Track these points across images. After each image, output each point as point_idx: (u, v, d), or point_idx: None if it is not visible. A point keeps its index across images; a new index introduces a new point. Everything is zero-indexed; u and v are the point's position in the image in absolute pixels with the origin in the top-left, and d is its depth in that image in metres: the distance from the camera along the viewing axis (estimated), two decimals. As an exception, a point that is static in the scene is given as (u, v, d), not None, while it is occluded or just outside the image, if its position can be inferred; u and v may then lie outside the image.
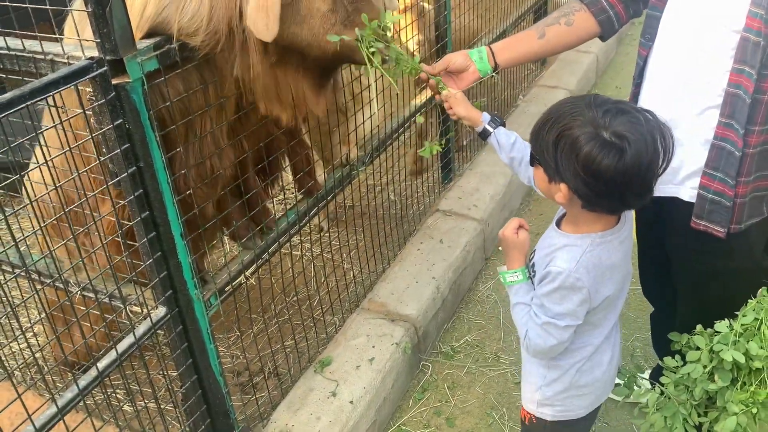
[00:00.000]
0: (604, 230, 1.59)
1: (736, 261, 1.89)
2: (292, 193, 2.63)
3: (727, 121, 1.71)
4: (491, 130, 1.88)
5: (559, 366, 1.72)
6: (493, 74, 2.06)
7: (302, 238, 3.36)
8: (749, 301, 1.68)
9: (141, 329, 1.83)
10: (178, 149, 1.82)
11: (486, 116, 1.90)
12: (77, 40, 1.58)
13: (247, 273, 2.17)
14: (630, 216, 1.67)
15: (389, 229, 3.19)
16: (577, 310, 1.59)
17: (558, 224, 1.68)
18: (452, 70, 2.01)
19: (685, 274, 2.04)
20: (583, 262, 1.56)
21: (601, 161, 1.39)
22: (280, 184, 2.46)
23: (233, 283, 2.12)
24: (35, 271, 2.05)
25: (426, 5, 3.05)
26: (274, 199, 3.11)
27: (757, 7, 1.60)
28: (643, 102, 1.94)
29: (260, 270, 2.25)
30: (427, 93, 3.24)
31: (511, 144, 1.88)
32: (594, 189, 1.44)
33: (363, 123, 2.61)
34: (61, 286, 1.96)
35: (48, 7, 1.62)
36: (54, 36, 1.66)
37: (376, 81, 2.61)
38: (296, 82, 1.83)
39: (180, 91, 1.79)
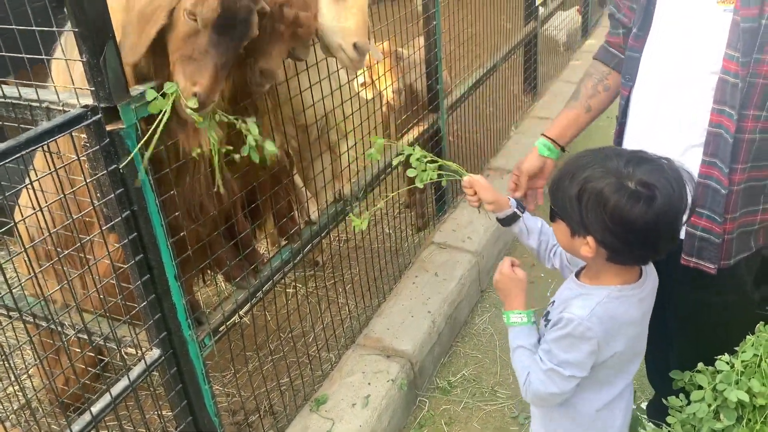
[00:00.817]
0: (624, 284, 1.56)
1: (728, 294, 1.91)
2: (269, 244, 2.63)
3: (711, 159, 1.74)
4: (521, 214, 1.85)
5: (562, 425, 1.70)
6: (565, 152, 2.14)
7: (296, 275, 3.36)
8: (747, 337, 1.68)
9: (135, 372, 1.83)
10: (171, 192, 1.84)
11: (513, 201, 1.86)
12: (72, 88, 1.62)
13: (241, 312, 2.17)
14: (653, 274, 1.64)
15: (384, 263, 3.21)
16: (585, 362, 1.55)
17: (577, 275, 1.66)
18: (532, 174, 2.09)
19: (680, 306, 2.05)
20: (597, 312, 1.53)
21: (630, 211, 1.39)
22: (264, 229, 2.47)
23: (227, 323, 2.12)
24: (30, 314, 2.05)
25: (403, 51, 3.08)
26: (267, 241, 3.11)
27: (732, 50, 1.64)
28: (628, 141, 1.97)
29: (255, 308, 2.26)
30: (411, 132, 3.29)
31: (539, 228, 1.85)
32: (624, 240, 1.44)
33: (347, 151, 2.62)
34: (57, 328, 1.97)
35: (43, 57, 1.66)
36: (48, 84, 1.70)
37: (359, 109, 2.64)
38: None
39: (172, 134, 1.81)
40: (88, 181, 1.62)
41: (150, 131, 1.64)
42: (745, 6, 1.61)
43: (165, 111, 1.65)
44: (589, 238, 1.48)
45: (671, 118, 1.82)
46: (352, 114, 2.59)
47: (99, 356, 2.48)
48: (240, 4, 1.65)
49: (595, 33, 6.57)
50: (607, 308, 1.54)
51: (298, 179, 2.53)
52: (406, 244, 3.47)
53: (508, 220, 1.86)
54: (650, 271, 1.63)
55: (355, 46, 2.16)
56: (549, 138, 2.10)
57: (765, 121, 1.67)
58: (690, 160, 1.77)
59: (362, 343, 2.81)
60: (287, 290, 3.25)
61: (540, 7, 4.84)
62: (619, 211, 1.40)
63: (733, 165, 1.72)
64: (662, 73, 1.83)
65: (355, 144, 2.66)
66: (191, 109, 1.65)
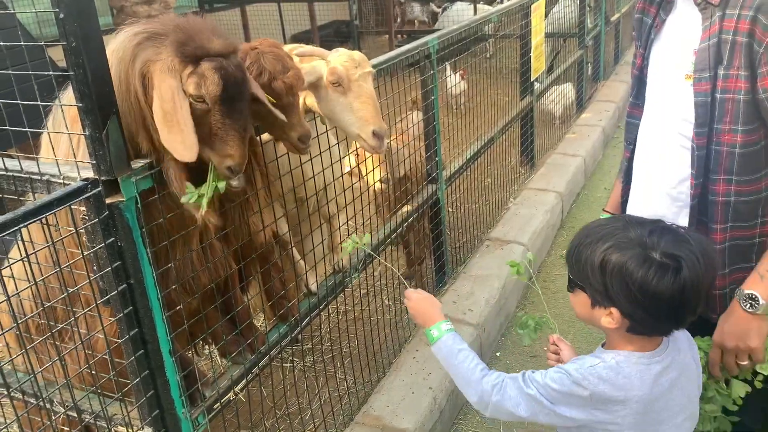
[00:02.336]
0: (638, 351, 1.51)
1: None
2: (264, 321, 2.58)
3: (700, 217, 1.84)
4: None
5: None
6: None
7: (293, 348, 3.29)
8: None
9: (125, 453, 1.76)
10: (169, 265, 1.81)
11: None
12: (73, 161, 1.62)
13: (236, 389, 2.11)
14: (676, 346, 1.57)
15: (384, 336, 3.14)
16: (570, 401, 1.49)
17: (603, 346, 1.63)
18: None
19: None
20: (599, 368, 1.48)
21: (658, 283, 1.38)
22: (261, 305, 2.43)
23: (222, 401, 2.05)
24: (19, 390, 1.98)
25: (390, 144, 3.15)
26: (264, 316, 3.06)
27: (696, 127, 1.79)
28: (632, 203, 2.06)
29: (250, 384, 2.19)
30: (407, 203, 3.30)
31: None
32: (651, 312, 1.42)
33: (339, 228, 2.62)
34: (45, 405, 1.90)
35: (45, 131, 1.67)
36: (46, 157, 1.70)
37: (358, 182, 2.66)
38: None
39: (170, 207, 1.80)
40: (86, 254, 1.60)
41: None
42: (697, 82, 1.76)
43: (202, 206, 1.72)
44: (613, 310, 1.46)
45: (661, 183, 1.92)
46: (351, 187, 2.61)
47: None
48: (235, 71, 1.70)
49: (589, 107, 6.72)
50: (609, 369, 1.47)
51: (296, 253, 2.51)
52: (407, 317, 3.42)
53: None
54: (672, 343, 1.55)
55: (373, 133, 2.29)
56: (608, 212, 2.22)
57: (736, 185, 1.77)
58: (683, 221, 1.89)
59: (361, 421, 2.72)
60: (284, 365, 3.17)
61: (536, 83, 4.95)
62: (647, 283, 1.39)
63: (712, 225, 1.81)
64: (651, 141, 1.96)
65: (353, 217, 2.66)
66: (232, 185, 1.75)
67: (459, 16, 9.21)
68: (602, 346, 1.61)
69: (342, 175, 2.50)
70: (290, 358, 3.22)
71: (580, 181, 5.41)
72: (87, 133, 1.56)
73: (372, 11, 10.19)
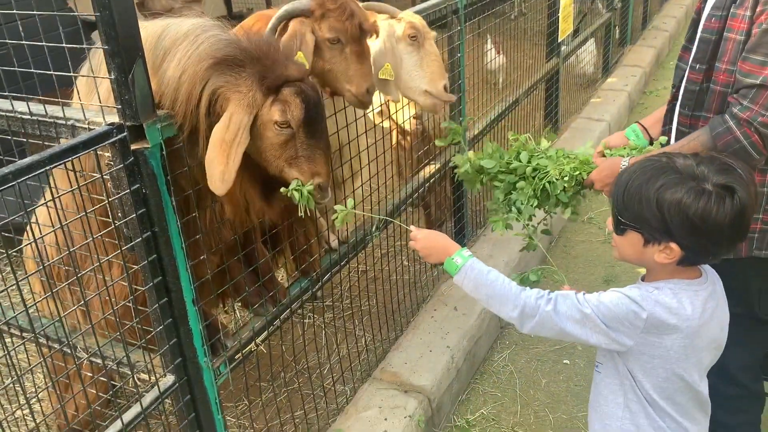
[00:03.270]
0: (684, 279, 1.56)
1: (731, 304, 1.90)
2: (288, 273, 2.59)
3: None
4: None
5: None
6: (650, 147, 2.20)
7: (314, 305, 3.31)
8: None
9: (148, 398, 1.78)
10: (193, 214, 1.80)
11: None
12: (99, 106, 1.60)
13: (258, 340, 2.12)
14: (714, 278, 1.62)
15: (402, 296, 3.14)
16: (625, 320, 1.51)
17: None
18: (611, 146, 2.20)
19: None
20: (652, 293, 1.52)
21: (718, 212, 1.42)
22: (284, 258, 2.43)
23: (243, 351, 2.07)
24: (43, 336, 2.00)
25: None
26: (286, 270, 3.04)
27: (693, 61, 1.85)
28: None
29: (270, 337, 2.20)
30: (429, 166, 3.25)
31: None
32: (716, 239, 1.46)
33: (354, 192, 2.60)
34: (69, 351, 1.92)
35: (71, 74, 1.65)
36: (74, 102, 1.69)
37: (367, 148, 2.62)
38: (244, 185, 1.83)
39: (195, 157, 1.79)
40: (110, 199, 1.59)
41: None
42: (707, 19, 1.80)
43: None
44: (672, 244, 1.48)
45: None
46: (367, 148, 2.57)
47: (111, 382, 2.43)
48: (313, 93, 1.78)
49: (616, 71, 6.56)
50: (664, 296, 1.51)
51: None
52: (425, 277, 3.41)
53: None
54: (710, 274, 1.61)
55: (444, 87, 2.46)
56: (641, 125, 2.21)
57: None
58: None
59: (379, 377, 2.73)
60: (304, 321, 3.19)
61: (562, 45, 4.81)
62: (708, 214, 1.42)
63: None
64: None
65: (371, 178, 2.64)
66: (321, 202, 1.84)
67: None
68: (642, 280, 1.63)
69: (357, 137, 2.45)
70: (309, 314, 3.24)
71: (604, 146, 5.31)
72: (113, 76, 1.54)
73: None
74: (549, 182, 2.11)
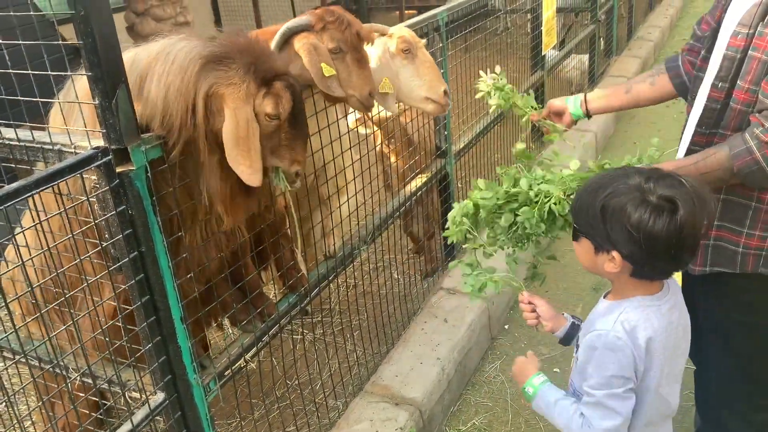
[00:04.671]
0: (646, 295, 1.59)
1: (755, 316, 1.93)
2: (277, 289, 2.62)
3: None
4: (579, 323, 1.84)
5: None
6: (587, 118, 2.33)
7: (303, 320, 3.34)
8: None
9: (139, 416, 1.80)
10: (179, 233, 1.84)
11: (568, 316, 1.88)
12: (83, 131, 1.64)
13: (247, 356, 2.15)
14: (675, 289, 1.65)
15: (392, 309, 3.17)
16: (626, 371, 1.54)
17: (605, 297, 1.69)
18: (553, 111, 2.30)
19: (709, 322, 2.06)
20: (621, 320, 1.55)
21: (654, 224, 1.44)
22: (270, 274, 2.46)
23: (233, 367, 2.09)
24: (35, 357, 2.03)
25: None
26: (275, 286, 3.08)
27: (716, 79, 1.77)
28: (679, 153, 2.03)
29: (262, 353, 2.23)
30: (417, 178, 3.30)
31: None
32: (650, 252, 1.47)
33: (339, 207, 2.64)
34: (61, 372, 1.95)
35: (57, 100, 1.69)
36: (62, 127, 1.73)
37: (352, 164, 2.66)
38: (233, 183, 1.85)
39: (182, 176, 1.83)
40: (96, 221, 1.63)
41: None
42: (734, 35, 1.74)
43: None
44: (615, 253, 1.50)
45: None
46: (352, 164, 2.61)
47: (102, 401, 2.44)
48: (297, 86, 1.85)
49: (602, 82, 6.65)
50: (629, 317, 1.55)
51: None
52: (415, 290, 3.44)
53: (568, 338, 1.85)
54: (672, 286, 1.64)
55: (444, 92, 2.58)
56: (584, 96, 2.26)
57: None
58: None
59: (370, 390, 2.76)
60: (294, 336, 3.21)
61: (546, 57, 4.86)
62: (644, 224, 1.44)
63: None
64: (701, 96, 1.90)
65: (357, 192, 2.68)
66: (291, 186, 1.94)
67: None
68: (604, 297, 1.66)
69: (342, 154, 2.50)
70: (300, 329, 3.26)
71: (591, 156, 5.37)
72: (97, 102, 1.58)
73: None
74: (555, 203, 2.02)
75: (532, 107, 2.28)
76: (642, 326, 1.55)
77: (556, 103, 2.29)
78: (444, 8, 3.31)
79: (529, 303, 1.86)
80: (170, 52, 1.76)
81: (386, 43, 2.62)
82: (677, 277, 2.01)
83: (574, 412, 1.63)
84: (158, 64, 1.75)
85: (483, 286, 1.87)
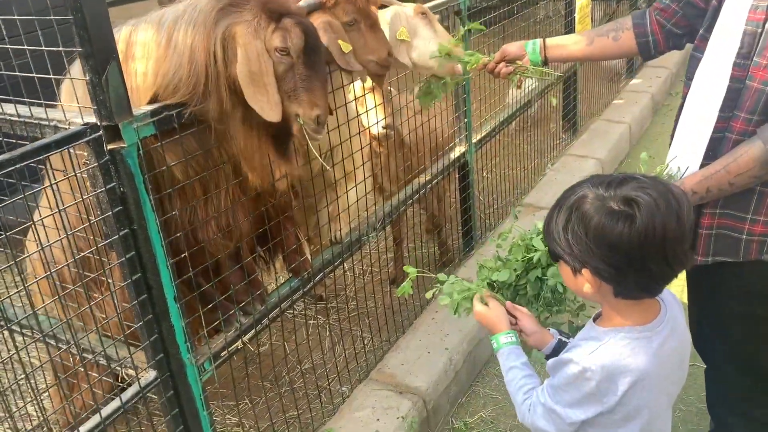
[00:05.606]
0: (636, 325, 1.43)
1: (754, 305, 1.83)
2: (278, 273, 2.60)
3: (713, 153, 1.75)
4: (566, 340, 1.71)
5: None
6: (546, 69, 2.27)
7: (317, 305, 3.33)
8: None
9: (129, 393, 1.81)
10: (174, 212, 1.84)
11: (554, 331, 1.75)
12: (77, 107, 1.65)
13: (245, 338, 2.14)
14: (674, 311, 1.49)
15: (405, 297, 3.14)
16: (584, 403, 1.43)
17: (595, 320, 1.54)
18: (507, 56, 2.26)
19: (709, 317, 1.99)
20: (600, 353, 1.41)
21: (612, 230, 1.31)
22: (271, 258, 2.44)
23: (230, 348, 2.09)
24: (52, 336, 2.04)
25: (392, 90, 3.03)
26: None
27: (738, 57, 1.68)
28: (676, 140, 1.92)
29: (268, 335, 2.21)
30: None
31: None
32: (614, 264, 1.34)
33: (347, 192, 2.59)
34: (73, 349, 1.97)
35: (51, 76, 1.70)
36: (57, 103, 1.74)
37: (361, 149, 2.61)
38: (261, 142, 1.87)
39: (180, 155, 1.82)
40: (84, 197, 1.63)
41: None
42: (753, 9, 1.63)
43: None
44: (585, 271, 1.38)
45: (699, 124, 1.79)
46: (361, 149, 2.57)
47: (117, 383, 2.47)
48: (312, 26, 1.85)
49: (640, 72, 6.44)
50: (612, 351, 1.40)
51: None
52: (431, 279, 3.39)
53: (555, 352, 1.69)
54: (670, 308, 1.48)
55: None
56: (543, 40, 2.22)
57: (755, 125, 1.66)
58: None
59: (375, 377, 2.73)
60: (306, 321, 3.21)
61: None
62: (601, 231, 1.32)
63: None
64: (706, 79, 1.79)
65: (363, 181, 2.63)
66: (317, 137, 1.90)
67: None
68: (594, 320, 1.53)
69: (350, 138, 2.46)
70: (314, 314, 3.25)
71: (624, 148, 5.22)
72: (87, 78, 1.58)
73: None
74: None
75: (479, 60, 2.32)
76: (625, 370, 1.39)
77: (511, 48, 2.25)
78: (467, -8, 3.23)
79: (512, 314, 1.73)
80: (197, 5, 1.78)
81: (400, 9, 2.63)
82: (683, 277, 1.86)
83: (520, 388, 1.57)
84: (186, 15, 1.77)
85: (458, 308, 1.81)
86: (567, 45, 2.24)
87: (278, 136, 1.89)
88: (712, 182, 1.68)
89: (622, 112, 5.53)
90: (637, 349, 1.40)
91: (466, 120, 3.36)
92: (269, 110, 1.76)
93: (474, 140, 3.49)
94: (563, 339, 1.71)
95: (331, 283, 3.40)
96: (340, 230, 2.56)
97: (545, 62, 2.24)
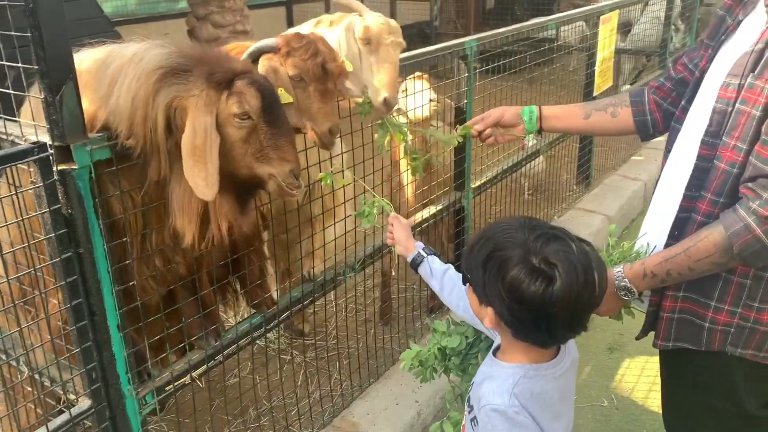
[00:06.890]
0: (537, 362, 1.42)
1: (716, 398, 1.70)
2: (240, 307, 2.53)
3: (677, 233, 1.68)
4: (425, 255, 1.84)
5: None
6: (538, 135, 2.22)
7: (292, 342, 3.24)
8: None
9: (57, 421, 1.75)
10: (124, 239, 1.79)
11: (419, 244, 1.88)
12: (33, 125, 1.62)
13: (194, 374, 2.07)
14: (571, 351, 1.49)
15: (387, 339, 3.04)
16: None
17: (494, 352, 1.54)
18: (503, 124, 2.18)
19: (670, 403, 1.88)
20: (516, 393, 1.39)
21: (527, 288, 1.30)
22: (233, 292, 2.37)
23: (176, 383, 2.02)
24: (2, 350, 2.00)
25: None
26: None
27: (706, 135, 1.60)
28: (651, 211, 1.86)
29: (240, 370, 2.13)
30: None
31: (443, 271, 1.81)
32: (518, 316, 1.33)
33: (323, 229, 2.52)
34: (14, 364, 1.93)
35: (11, 91, 1.68)
36: (19, 120, 1.71)
37: (344, 187, 2.53)
38: (221, 205, 1.79)
39: (133, 183, 1.78)
40: (25, 217, 1.60)
41: None
42: (724, 86, 1.57)
43: None
44: (489, 309, 1.38)
45: (668, 200, 1.72)
46: (343, 187, 2.49)
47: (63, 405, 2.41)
48: (266, 81, 1.78)
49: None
50: (524, 388, 1.40)
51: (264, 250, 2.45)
52: (418, 324, 3.30)
53: (414, 264, 1.87)
54: (569, 348, 1.48)
55: (384, 100, 2.34)
56: (539, 109, 2.13)
57: (721, 208, 1.57)
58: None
59: (338, 425, 2.63)
60: (281, 356, 3.12)
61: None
62: (516, 285, 1.30)
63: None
64: (679, 154, 1.74)
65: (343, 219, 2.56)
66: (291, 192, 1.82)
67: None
68: (494, 353, 1.52)
69: (332, 173, 2.38)
70: (280, 348, 3.17)
71: (637, 206, 5.07)
72: (42, 96, 1.55)
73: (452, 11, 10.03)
74: None
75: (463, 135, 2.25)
76: (537, 402, 1.39)
77: (508, 115, 2.15)
78: (475, 37, 3.19)
79: (391, 224, 1.92)
80: (143, 57, 1.72)
81: (353, 24, 2.44)
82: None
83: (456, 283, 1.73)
84: (130, 67, 1.71)
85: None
86: (564, 118, 2.16)
87: (241, 194, 1.84)
88: (672, 265, 1.59)
89: (639, 169, 5.40)
90: (543, 382, 1.41)
91: (465, 165, 3.28)
92: (204, 187, 1.66)
93: (473, 185, 3.41)
94: (423, 253, 1.85)
95: (313, 317, 3.32)
96: (314, 268, 2.49)
97: (539, 132, 2.16)
